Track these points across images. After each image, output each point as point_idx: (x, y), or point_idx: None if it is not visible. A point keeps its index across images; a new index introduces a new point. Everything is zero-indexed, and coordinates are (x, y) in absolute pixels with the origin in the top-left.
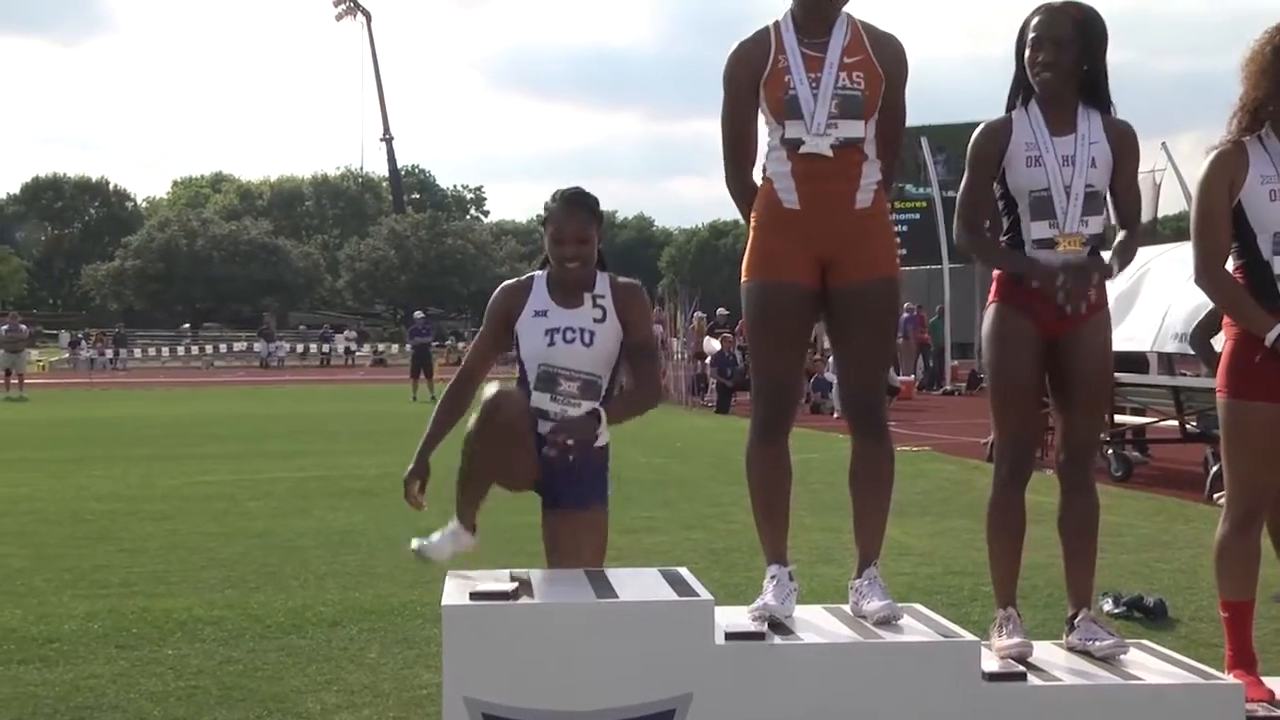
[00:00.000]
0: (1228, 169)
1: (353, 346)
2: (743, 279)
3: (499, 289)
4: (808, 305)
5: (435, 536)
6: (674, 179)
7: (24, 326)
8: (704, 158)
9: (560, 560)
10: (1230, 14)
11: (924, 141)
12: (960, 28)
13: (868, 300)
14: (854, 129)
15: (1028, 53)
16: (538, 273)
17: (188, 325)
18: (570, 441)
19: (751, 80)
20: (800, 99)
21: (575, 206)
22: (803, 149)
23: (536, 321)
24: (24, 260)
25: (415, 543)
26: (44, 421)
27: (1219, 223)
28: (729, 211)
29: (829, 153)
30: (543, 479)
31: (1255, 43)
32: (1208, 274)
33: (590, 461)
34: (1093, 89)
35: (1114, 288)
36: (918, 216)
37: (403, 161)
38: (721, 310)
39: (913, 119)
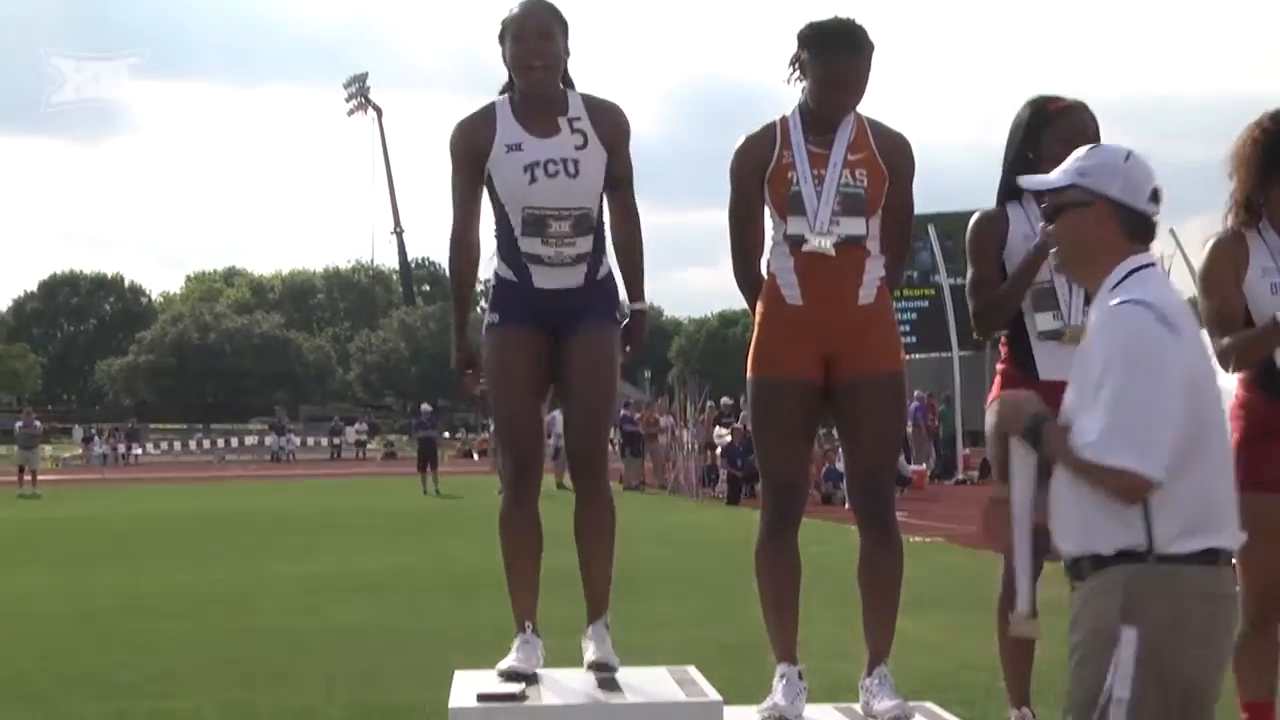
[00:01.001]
0: (1231, 257)
1: (363, 439)
2: (748, 373)
3: (456, 126)
4: (812, 400)
5: (511, 659)
6: (683, 269)
7: (38, 423)
8: (713, 248)
9: (577, 382)
10: (1230, 100)
11: (932, 229)
12: (967, 115)
13: (872, 394)
14: (856, 226)
15: (1021, 147)
16: (497, 98)
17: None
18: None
19: (757, 174)
20: (804, 196)
21: (541, 5)
22: (805, 247)
23: (511, 158)
24: (40, 357)
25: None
26: (56, 519)
27: (1234, 309)
28: (738, 301)
29: (831, 251)
30: (553, 318)
31: (1238, 138)
32: (1231, 353)
33: (601, 290)
34: None
35: None
36: (926, 304)
37: (413, 254)
38: (725, 400)
39: (921, 207)
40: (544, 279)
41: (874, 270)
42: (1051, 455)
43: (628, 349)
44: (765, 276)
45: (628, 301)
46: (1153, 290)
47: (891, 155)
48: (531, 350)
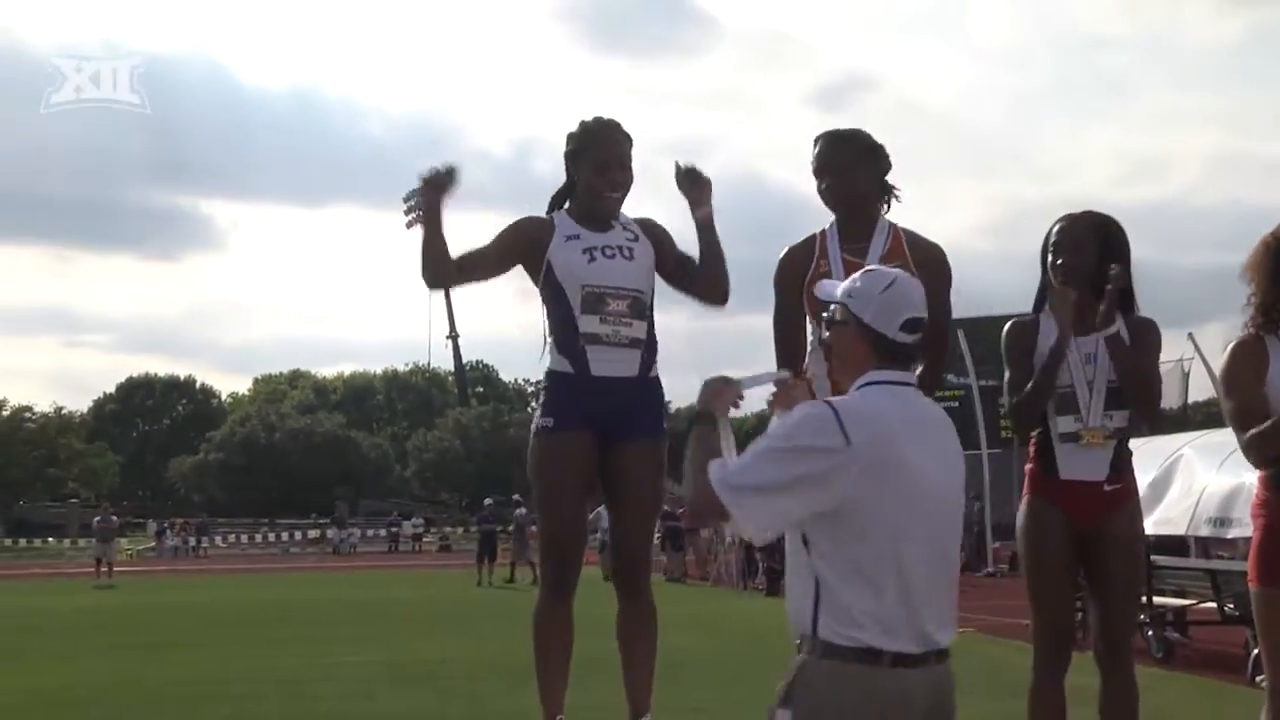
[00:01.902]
0: (1250, 358)
1: (420, 532)
2: None
3: (521, 219)
4: None
5: None
6: (722, 370)
7: (114, 517)
8: (752, 350)
9: (626, 492)
10: (1240, 211)
11: (961, 334)
12: (987, 227)
13: None
14: None
15: (1049, 258)
16: (555, 215)
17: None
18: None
19: (797, 283)
20: None
21: (618, 131)
22: None
23: (570, 245)
24: (117, 455)
25: None
26: (130, 607)
27: (1258, 405)
28: None
29: None
30: (606, 420)
31: (1254, 248)
32: (1258, 442)
33: (652, 392)
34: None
35: (1146, 475)
36: (956, 404)
37: (467, 358)
38: None
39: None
40: (601, 364)
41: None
42: (691, 449)
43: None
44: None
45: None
46: (861, 398)
47: (927, 266)
48: (583, 458)
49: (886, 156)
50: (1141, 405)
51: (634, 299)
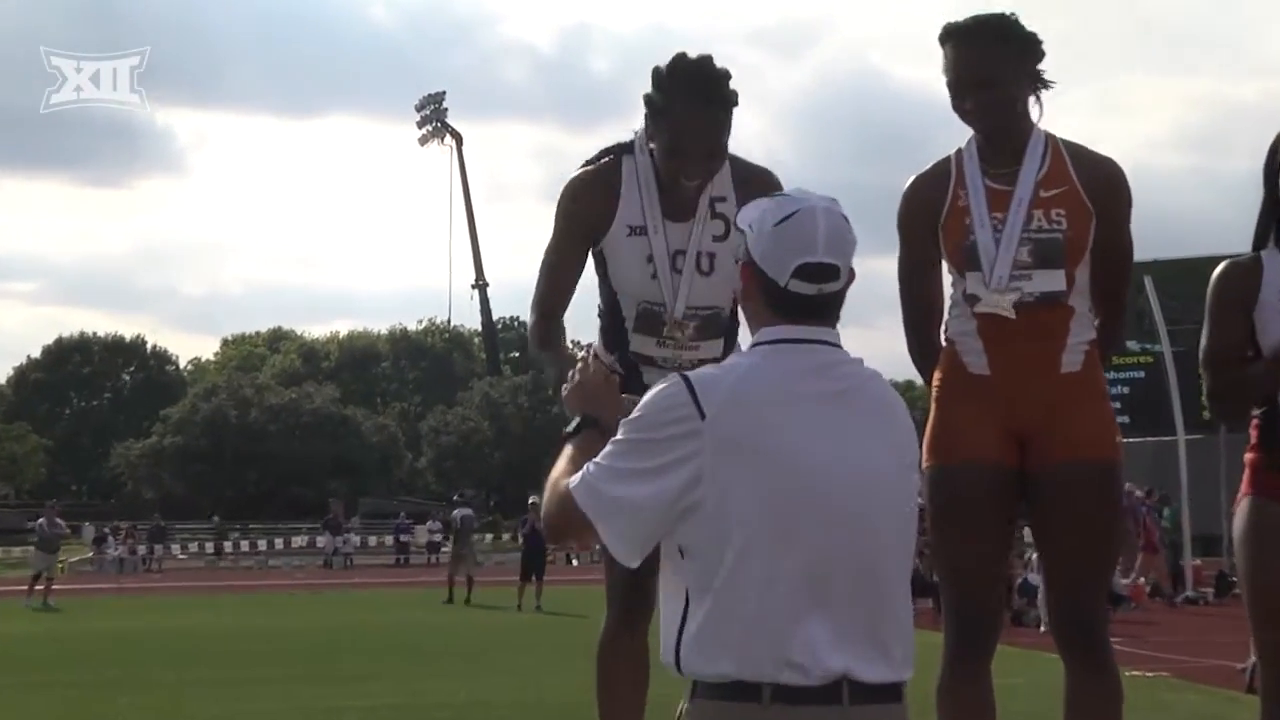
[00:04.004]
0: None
1: (437, 540)
2: (923, 462)
3: (570, 184)
4: (1005, 489)
5: None
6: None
7: (61, 521)
8: (868, 304)
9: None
10: None
11: (1148, 282)
12: (1187, 138)
13: (1077, 489)
14: (1052, 280)
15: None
16: (625, 157)
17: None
18: None
19: (929, 221)
20: (979, 245)
21: (710, 106)
22: (978, 306)
23: (632, 244)
24: (44, 438)
25: None
26: (69, 635)
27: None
28: (902, 371)
29: (1010, 312)
30: None
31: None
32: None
33: None
34: None
35: None
36: (1142, 374)
37: (499, 312)
38: None
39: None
40: (654, 379)
41: (1080, 332)
42: (565, 461)
43: None
44: (944, 343)
45: None
46: (729, 362)
47: (1099, 187)
48: None
49: (1040, 45)
50: None
51: (706, 319)
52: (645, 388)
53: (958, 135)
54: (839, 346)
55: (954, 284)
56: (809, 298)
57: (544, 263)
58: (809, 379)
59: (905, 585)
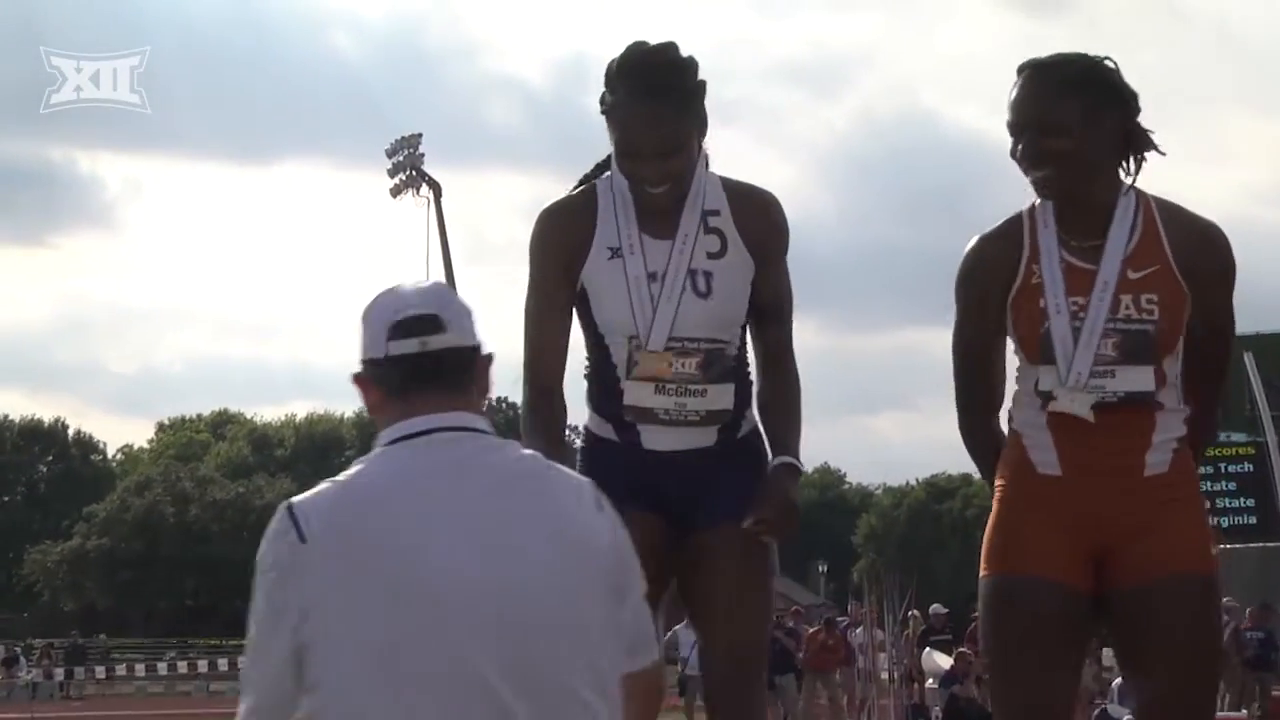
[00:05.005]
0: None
1: None
2: (981, 570)
3: (540, 217)
4: (1076, 613)
5: None
6: (873, 414)
7: None
8: (916, 384)
9: (716, 600)
10: None
11: (1248, 359)
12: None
13: (1169, 608)
14: (1139, 378)
15: None
16: (598, 180)
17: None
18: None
19: (999, 293)
20: (1054, 336)
21: (654, 100)
22: (1052, 405)
23: (613, 267)
24: None
25: None
26: None
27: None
28: (957, 463)
29: (1089, 415)
30: (674, 495)
31: None
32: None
33: (744, 454)
34: None
35: None
36: (1244, 469)
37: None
38: (937, 608)
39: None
40: (656, 439)
41: (1168, 429)
42: None
43: (762, 519)
44: (1007, 433)
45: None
46: (340, 477)
47: (1196, 260)
48: (643, 540)
49: (1134, 98)
50: None
51: (708, 354)
52: (645, 456)
53: (1021, 191)
54: (477, 430)
55: (1021, 370)
56: (415, 357)
57: (526, 318)
58: (435, 475)
59: (589, 674)
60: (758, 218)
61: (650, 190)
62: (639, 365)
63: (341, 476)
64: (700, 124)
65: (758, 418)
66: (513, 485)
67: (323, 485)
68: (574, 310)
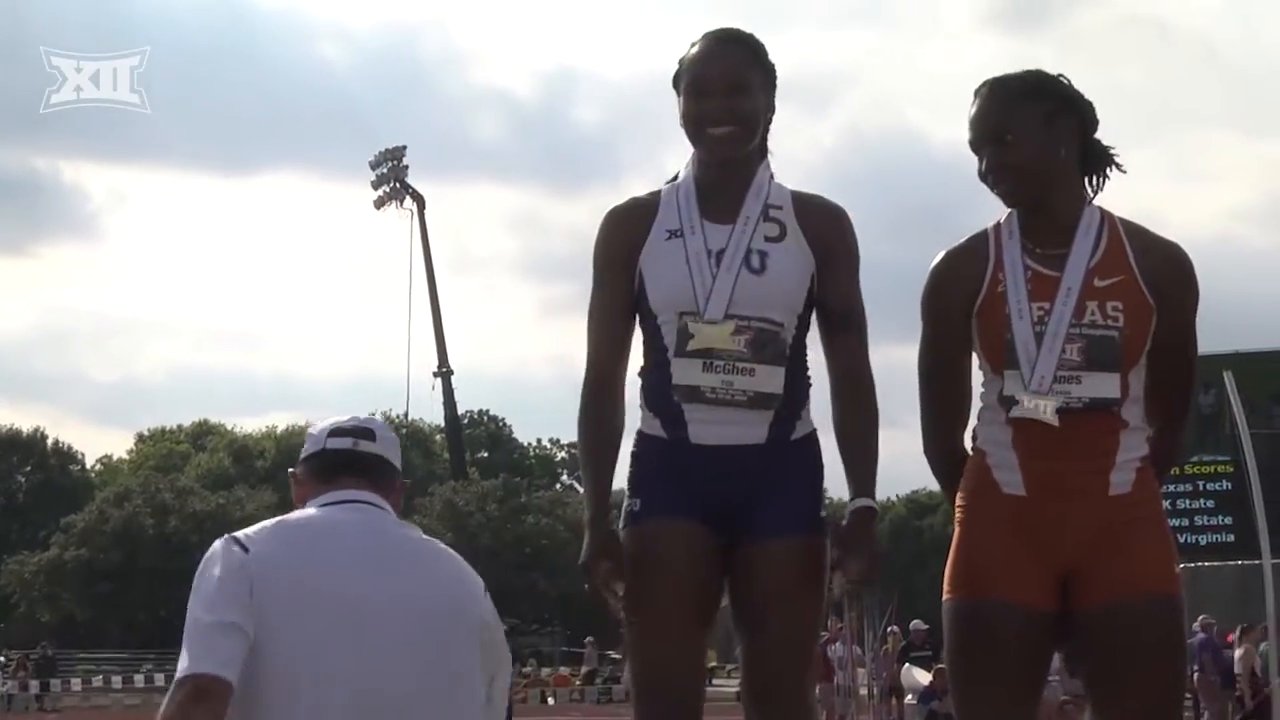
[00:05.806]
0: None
1: None
2: (945, 593)
3: (605, 216)
4: (1040, 636)
5: None
6: None
7: None
8: (899, 400)
9: (765, 612)
10: None
11: (1228, 378)
12: (1267, 209)
13: (1135, 629)
14: (1105, 385)
15: None
16: (664, 186)
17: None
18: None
19: (962, 305)
20: (1017, 340)
21: (724, 41)
22: (1015, 410)
23: (671, 247)
24: None
25: None
26: None
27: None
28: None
29: (1052, 419)
30: (723, 505)
31: None
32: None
33: (799, 459)
34: None
35: None
36: (1223, 486)
37: (465, 405)
38: (918, 624)
39: (1208, 345)
40: (704, 429)
41: (1132, 447)
42: None
43: (837, 567)
44: (971, 451)
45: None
46: (280, 517)
47: (1161, 277)
48: (694, 558)
49: (1090, 110)
50: None
51: (758, 332)
52: (693, 454)
53: (1002, 211)
54: (387, 510)
55: (986, 384)
56: (347, 451)
57: (589, 318)
58: (354, 529)
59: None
60: (822, 219)
61: (713, 133)
62: (695, 338)
63: (277, 518)
64: (769, 84)
65: (836, 442)
66: (404, 541)
67: (260, 525)
68: (636, 313)
